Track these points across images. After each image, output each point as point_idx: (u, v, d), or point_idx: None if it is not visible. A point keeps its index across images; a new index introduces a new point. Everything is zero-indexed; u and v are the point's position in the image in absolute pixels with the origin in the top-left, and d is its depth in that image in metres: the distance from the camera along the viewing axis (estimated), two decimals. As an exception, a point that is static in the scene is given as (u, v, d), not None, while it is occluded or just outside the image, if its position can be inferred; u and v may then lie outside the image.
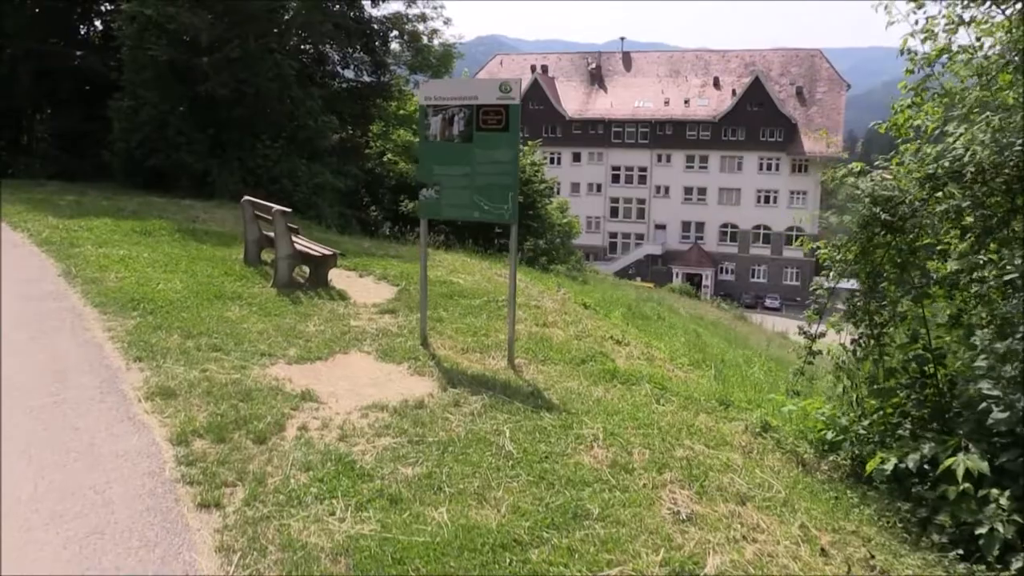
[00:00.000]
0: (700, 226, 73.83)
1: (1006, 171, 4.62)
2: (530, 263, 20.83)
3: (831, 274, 5.47)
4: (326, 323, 7.43)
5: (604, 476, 4.42)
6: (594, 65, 77.98)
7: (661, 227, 74.95)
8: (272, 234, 9.25)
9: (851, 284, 6.05)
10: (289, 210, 8.72)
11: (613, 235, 75.89)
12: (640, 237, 75.06)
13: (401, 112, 24.51)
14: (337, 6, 21.94)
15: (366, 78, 24.01)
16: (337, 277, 9.44)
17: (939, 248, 4.92)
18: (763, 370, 10.61)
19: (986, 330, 4.51)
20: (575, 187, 71.60)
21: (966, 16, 5.40)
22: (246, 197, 10.01)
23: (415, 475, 4.25)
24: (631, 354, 7.70)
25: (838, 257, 5.34)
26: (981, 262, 4.74)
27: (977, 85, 4.79)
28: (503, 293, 9.49)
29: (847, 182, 5.33)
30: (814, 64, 74.18)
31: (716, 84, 73.81)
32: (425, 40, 23.23)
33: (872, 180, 5.04)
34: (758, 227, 72.07)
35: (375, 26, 23.00)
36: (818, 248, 5.76)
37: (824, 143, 68.58)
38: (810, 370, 6.44)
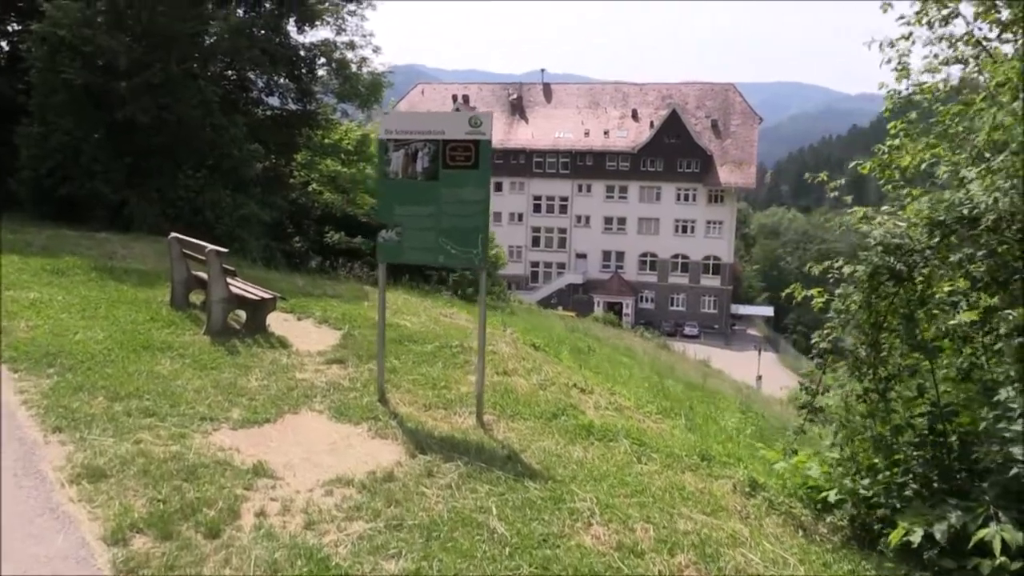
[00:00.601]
0: (620, 255, 74.74)
1: (1019, 218, 4.38)
2: (459, 294, 20.30)
3: (834, 324, 5.12)
4: (269, 376, 6.73)
5: (614, 563, 3.91)
6: (515, 96, 78.45)
7: (582, 256, 75.52)
8: (203, 274, 8.49)
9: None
10: (225, 250, 7.99)
11: (535, 264, 76.08)
12: (561, 266, 75.42)
13: (327, 141, 23.74)
14: (263, 32, 21.11)
15: (292, 106, 23.17)
16: (274, 321, 8.72)
17: (949, 299, 4.63)
18: (725, 410, 10.35)
19: (1010, 388, 4.22)
20: (497, 216, 71.52)
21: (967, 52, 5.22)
22: (173, 234, 9.21)
23: (401, 572, 3.65)
24: (599, 404, 7.24)
25: (840, 306, 5.00)
26: (995, 316, 4.46)
27: (985, 125, 4.57)
28: (454, 337, 8.94)
29: (859, 229, 5.02)
30: (728, 98, 76.41)
31: (634, 116, 75.20)
32: (354, 68, 22.54)
33: (882, 226, 4.73)
34: (676, 256, 73.42)
35: (302, 53, 22.24)
36: (813, 298, 5.42)
37: (738, 175, 70.73)
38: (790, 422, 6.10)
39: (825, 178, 6.38)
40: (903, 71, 6.47)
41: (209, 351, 7.29)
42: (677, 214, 73.08)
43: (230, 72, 22.48)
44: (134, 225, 17.13)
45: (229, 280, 8.09)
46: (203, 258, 8.12)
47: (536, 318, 25.26)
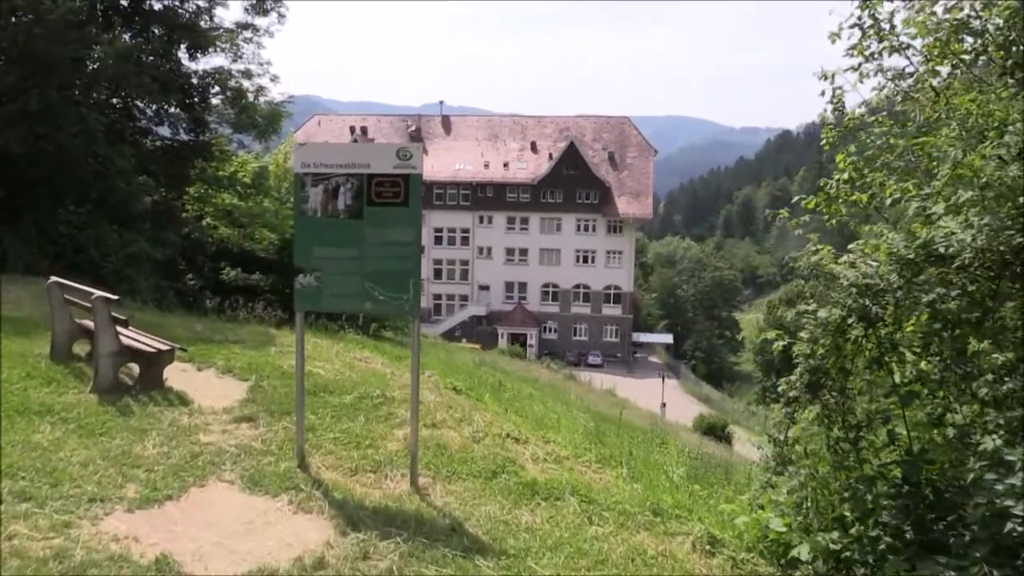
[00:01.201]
0: (523, 286, 74.98)
1: (990, 255, 4.15)
2: (368, 334, 19.53)
3: (801, 370, 4.78)
4: (169, 441, 5.92)
5: (593, 662, 3.38)
6: (414, 127, 78.05)
7: (485, 288, 75.33)
8: (88, 323, 7.58)
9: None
10: (114, 297, 7.11)
11: (438, 296, 75.32)
12: (464, 298, 75.01)
13: (222, 173, 22.58)
14: (151, 58, 19.94)
15: (183, 136, 21.95)
16: (172, 373, 7.84)
17: (922, 341, 4.37)
18: (659, 452, 10.01)
19: (995, 437, 3.96)
20: (399, 249, 70.24)
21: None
22: (53, 278, 8.23)
23: None
24: (536, 455, 6.72)
25: (805, 350, 4.67)
26: (970, 358, 4.21)
27: (951, 158, 4.36)
28: (373, 385, 8.28)
29: (830, 269, 4.72)
30: (623, 131, 78.18)
31: (533, 148, 75.97)
32: (251, 97, 21.57)
33: (853, 267, 4.43)
34: (578, 286, 74.22)
35: (194, 80, 21.12)
36: (787, 344, 5.09)
37: (636, 206, 72.17)
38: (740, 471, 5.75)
39: (786, 214, 6.10)
40: (838, 103, 6.33)
41: (97, 413, 6.41)
42: (578, 244, 73.97)
43: (116, 100, 21.16)
44: (8, 265, 15.68)
45: (119, 330, 7.21)
46: (88, 305, 7.22)
47: (443, 353, 24.62)
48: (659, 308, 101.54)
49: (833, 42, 5.84)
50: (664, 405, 50.94)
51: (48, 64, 16.11)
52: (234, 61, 21.61)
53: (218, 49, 21.50)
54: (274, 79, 22.44)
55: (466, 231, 74.05)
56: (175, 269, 21.79)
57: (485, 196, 74.10)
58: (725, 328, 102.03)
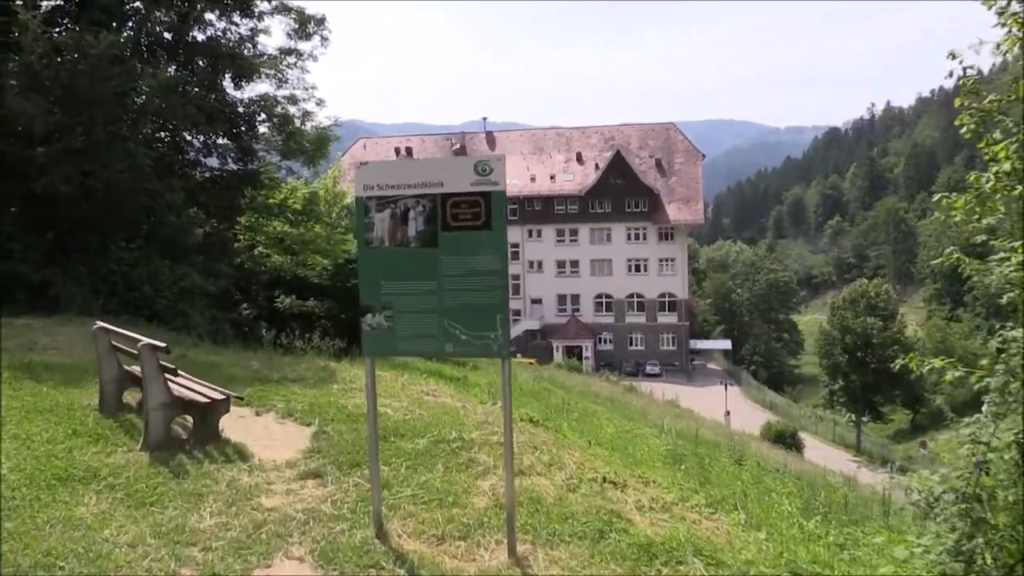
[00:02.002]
0: (575, 298, 74.14)
1: None
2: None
3: (990, 409, 3.87)
4: (228, 508, 5.22)
5: None
6: (458, 145, 77.90)
7: (537, 301, 74.62)
8: (137, 369, 6.97)
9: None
10: (162, 344, 6.47)
11: (488, 312, 74.52)
12: (517, 313, 74.30)
13: (272, 201, 22.24)
14: (196, 89, 19.66)
15: (232, 166, 21.64)
16: (229, 420, 7.17)
17: None
18: (768, 483, 9.10)
19: None
20: (449, 268, 69.97)
21: None
22: (99, 324, 7.66)
23: None
24: (640, 503, 5.88)
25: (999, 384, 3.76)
26: None
27: None
28: (447, 424, 7.53)
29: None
30: (669, 136, 77.03)
31: (579, 159, 75.23)
32: (297, 123, 21.20)
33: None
34: (631, 296, 73.11)
35: (240, 109, 20.80)
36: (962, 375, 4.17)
37: (686, 211, 70.81)
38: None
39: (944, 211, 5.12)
40: (973, 85, 5.39)
41: (148, 476, 5.74)
42: (629, 253, 72.92)
43: (163, 133, 20.93)
44: (60, 307, 15.34)
45: (169, 378, 6.57)
46: (135, 352, 6.61)
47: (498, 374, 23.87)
48: (714, 314, 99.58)
49: (989, 7, 4.92)
50: (728, 413, 49.53)
51: (92, 101, 15.82)
52: (279, 87, 21.31)
53: (263, 76, 21.20)
54: (320, 103, 22.09)
55: (515, 245, 73.39)
56: (229, 300, 21.49)
57: (533, 209, 73.49)
58: (783, 331, 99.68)
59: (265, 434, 7.20)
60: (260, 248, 23.49)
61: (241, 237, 23.25)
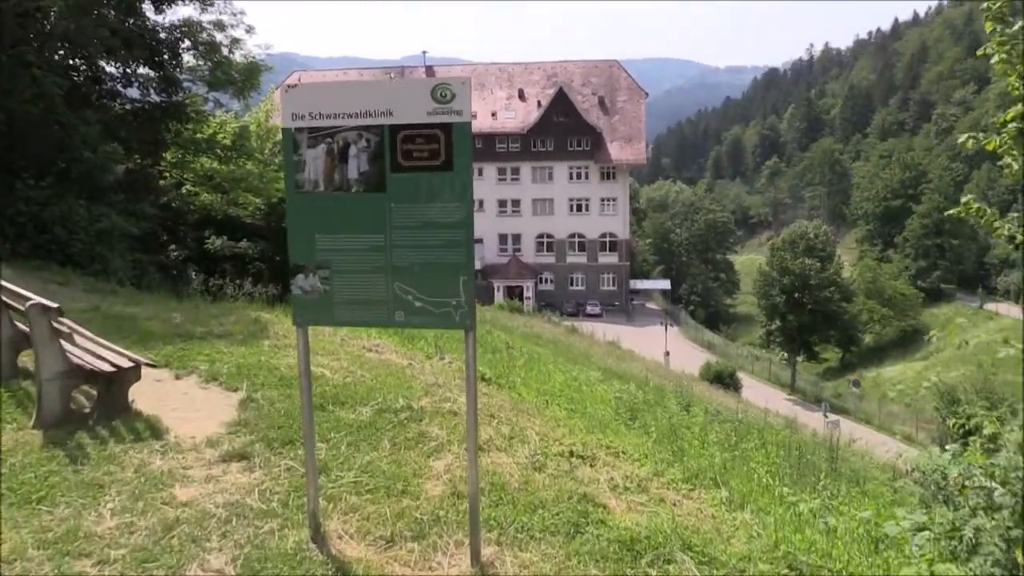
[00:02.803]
0: (517, 238, 73.45)
1: None
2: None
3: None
4: (134, 503, 4.35)
5: None
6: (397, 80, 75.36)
7: (478, 241, 73.51)
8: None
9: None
10: (54, 305, 5.46)
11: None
12: (457, 253, 73.15)
13: (200, 136, 20.69)
14: (112, 12, 17.90)
15: (155, 97, 19.97)
16: (144, 383, 6.23)
17: None
18: (721, 443, 8.57)
19: None
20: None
21: None
22: (-14, 276, 6.59)
23: None
24: (614, 482, 5.20)
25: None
26: None
27: None
28: (391, 388, 6.73)
29: None
30: (612, 74, 75.92)
31: (521, 96, 73.78)
32: (225, 52, 19.59)
33: None
34: (573, 235, 72.76)
35: (162, 35, 19.09)
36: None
37: (628, 151, 70.22)
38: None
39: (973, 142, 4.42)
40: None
41: (38, 463, 4.82)
42: (571, 193, 72.28)
43: (77, 61, 19.15)
44: (-38, 252, 13.94)
45: (66, 345, 5.60)
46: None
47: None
48: (653, 254, 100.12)
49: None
50: (668, 354, 49.89)
51: (-9, 21, 14.19)
52: (203, 11, 19.59)
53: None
54: (249, 30, 20.48)
55: (456, 184, 71.82)
56: (155, 242, 20.17)
57: (474, 147, 71.80)
58: (720, 271, 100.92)
59: (185, 403, 6.30)
60: (188, 186, 22.05)
61: (167, 175, 21.75)
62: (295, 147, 3.69)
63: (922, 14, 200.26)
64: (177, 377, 7.00)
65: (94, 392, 5.76)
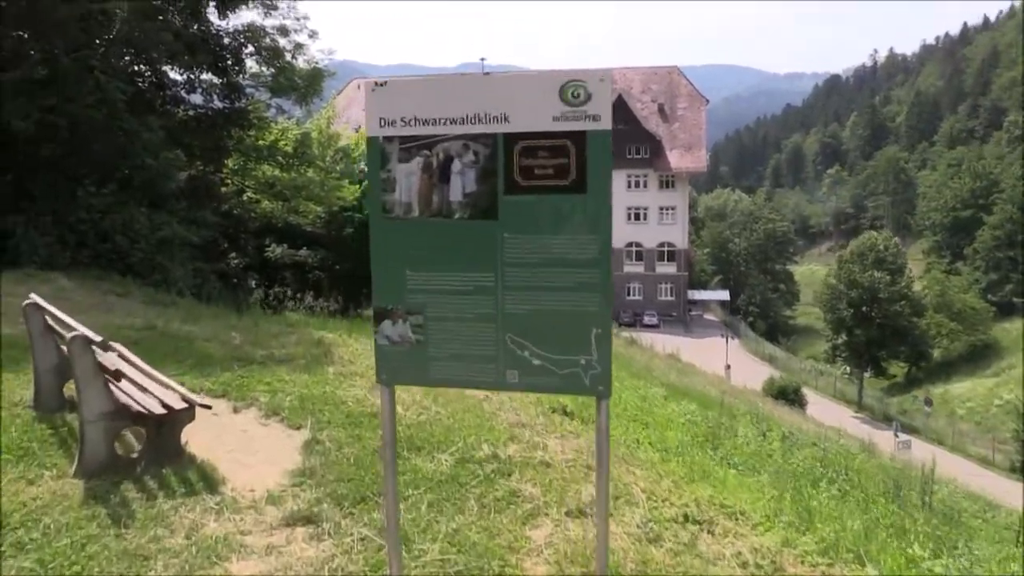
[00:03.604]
0: (574, 247, 72.30)
1: None
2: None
3: None
4: (183, 582, 3.66)
5: None
6: (455, 87, 75.11)
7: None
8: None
9: None
10: (98, 338, 4.81)
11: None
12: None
13: (261, 143, 20.33)
14: (176, 17, 17.61)
15: (217, 104, 19.66)
16: (199, 420, 5.56)
17: None
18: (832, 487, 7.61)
19: None
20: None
21: None
22: (32, 297, 6.01)
23: None
24: (742, 557, 4.34)
25: None
26: None
27: None
28: (471, 429, 5.96)
29: None
30: (672, 80, 74.69)
31: (580, 103, 72.64)
32: (288, 57, 19.18)
33: None
34: (630, 244, 71.54)
35: (226, 41, 18.75)
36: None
37: (688, 159, 68.83)
38: None
39: None
40: None
41: (76, 523, 4.15)
42: (629, 201, 71.11)
43: (141, 67, 18.93)
44: (22, 259, 13.65)
45: (111, 382, 4.95)
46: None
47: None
48: (711, 263, 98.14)
49: None
50: (728, 367, 48.46)
51: (54, 25, 13.90)
52: (267, 16, 19.21)
53: (250, 4, 19.11)
54: (312, 35, 20.02)
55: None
56: (216, 250, 19.90)
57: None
58: (779, 281, 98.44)
59: (243, 443, 5.62)
60: (249, 194, 21.74)
61: (228, 182, 21.46)
62: (383, 161, 2.94)
63: (992, 18, 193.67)
64: (235, 410, 6.34)
65: (144, 432, 5.10)
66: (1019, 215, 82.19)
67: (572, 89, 2.72)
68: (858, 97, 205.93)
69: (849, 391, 55.47)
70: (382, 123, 2.91)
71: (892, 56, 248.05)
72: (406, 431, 5.85)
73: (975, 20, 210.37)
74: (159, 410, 4.84)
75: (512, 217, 2.83)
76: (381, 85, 2.89)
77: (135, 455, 5.02)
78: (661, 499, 5.16)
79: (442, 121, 2.84)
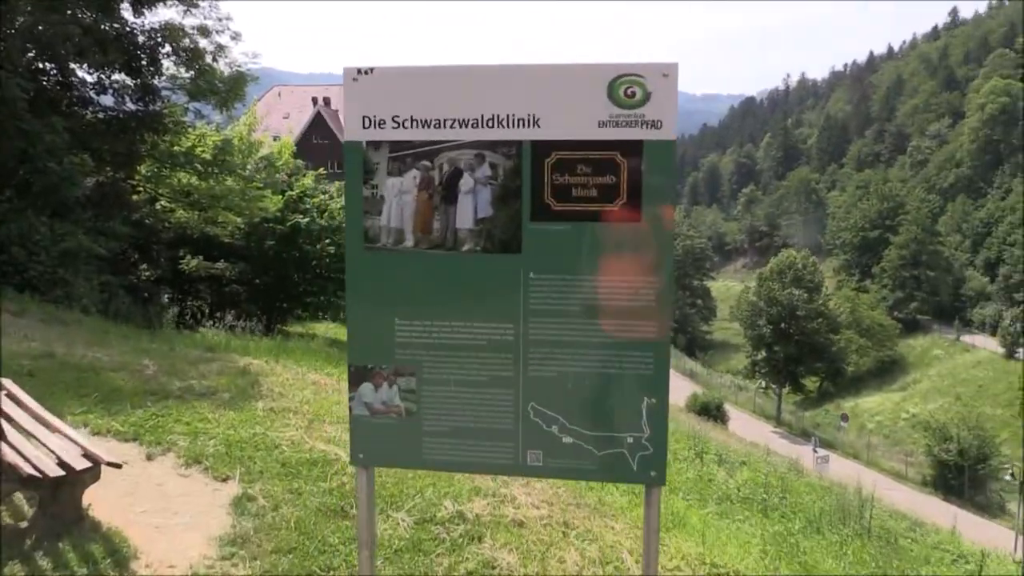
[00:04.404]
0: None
1: None
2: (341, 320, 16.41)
3: None
4: None
5: None
6: (380, 96, 73.81)
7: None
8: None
9: None
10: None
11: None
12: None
13: (177, 149, 18.99)
14: (86, 11, 16.26)
15: (130, 106, 18.25)
16: (104, 483, 4.65)
17: None
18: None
19: None
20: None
21: None
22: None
23: None
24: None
25: None
26: None
27: None
28: (427, 478, 5.21)
29: None
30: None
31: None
32: (209, 59, 17.95)
33: None
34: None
35: (140, 39, 17.44)
36: None
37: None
38: None
39: None
40: None
41: (-60, 627, 3.28)
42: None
43: (46, 63, 17.45)
44: (-96, 274, 12.25)
45: (-3, 436, 4.03)
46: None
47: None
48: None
49: None
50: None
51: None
52: (187, 15, 17.96)
53: (167, 1, 17.86)
54: (235, 37, 18.82)
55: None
56: (125, 263, 18.59)
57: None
58: (697, 297, 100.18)
59: (159, 501, 4.74)
60: (162, 202, 20.37)
61: (140, 189, 20.05)
62: (365, 173, 2.22)
63: (896, 48, 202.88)
64: (149, 457, 5.42)
65: (37, 495, 4.19)
66: (923, 236, 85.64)
67: (625, 86, 2.06)
68: (771, 119, 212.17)
69: (768, 406, 56.45)
70: (366, 123, 2.20)
71: (803, 81, 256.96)
72: (352, 482, 5.07)
73: (880, 49, 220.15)
74: (55, 471, 3.94)
75: (540, 251, 2.15)
76: (365, 73, 2.17)
77: (24, 524, 4.11)
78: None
79: (449, 123, 2.15)
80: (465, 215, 2.19)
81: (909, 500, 29.78)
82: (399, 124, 2.19)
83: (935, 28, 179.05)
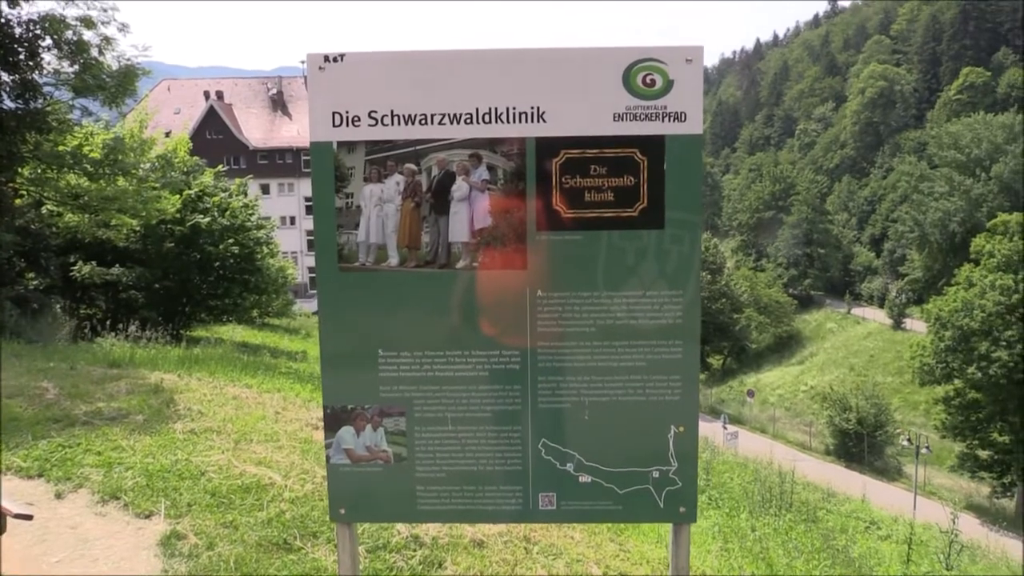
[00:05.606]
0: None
1: None
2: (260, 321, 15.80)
3: None
4: None
5: None
6: (275, 91, 71.69)
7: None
8: None
9: None
10: None
11: (312, 270, 70.06)
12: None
13: (63, 149, 17.72)
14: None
15: (8, 104, 16.90)
16: (10, 526, 4.12)
17: None
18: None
19: None
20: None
21: None
22: None
23: None
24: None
25: None
26: None
27: None
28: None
29: None
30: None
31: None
32: (95, 52, 16.77)
33: None
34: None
35: (17, 31, 16.16)
36: None
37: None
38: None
39: None
40: None
41: None
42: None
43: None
44: None
45: None
46: None
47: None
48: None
49: None
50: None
51: None
52: (68, 5, 16.72)
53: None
54: (123, 28, 17.65)
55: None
56: (10, 272, 17.36)
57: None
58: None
59: (75, 548, 4.23)
60: (49, 206, 19.06)
61: (23, 193, 18.66)
62: (339, 180, 1.88)
63: (781, 35, 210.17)
64: (59, 496, 4.87)
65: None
66: (813, 215, 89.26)
67: (644, 73, 1.79)
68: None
69: (674, 385, 57.77)
70: (337, 120, 1.86)
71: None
72: (293, 509, 4.67)
73: (766, 37, 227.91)
74: (-47, 527, 3.43)
75: (549, 266, 1.87)
76: (334, 60, 1.83)
77: (-83, 589, 3.57)
78: (615, 571, 4.32)
79: (437, 118, 1.83)
80: (459, 226, 1.88)
81: (816, 470, 30.91)
82: (377, 121, 1.86)
83: (816, 16, 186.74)
